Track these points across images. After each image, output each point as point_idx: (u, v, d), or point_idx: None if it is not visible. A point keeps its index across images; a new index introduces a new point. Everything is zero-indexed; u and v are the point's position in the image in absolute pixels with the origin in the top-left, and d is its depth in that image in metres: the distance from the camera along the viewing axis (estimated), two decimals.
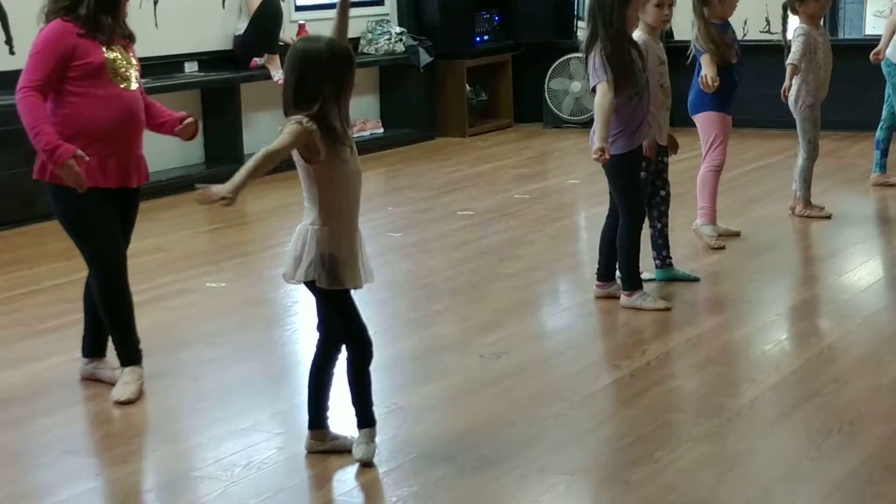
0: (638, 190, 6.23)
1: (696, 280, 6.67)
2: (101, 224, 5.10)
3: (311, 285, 4.30)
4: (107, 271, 5.11)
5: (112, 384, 5.17)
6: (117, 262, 5.12)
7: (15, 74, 8.93)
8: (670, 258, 6.69)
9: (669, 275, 6.64)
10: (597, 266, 6.34)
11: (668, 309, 6.11)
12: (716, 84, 7.01)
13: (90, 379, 5.33)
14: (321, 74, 4.14)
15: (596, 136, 5.93)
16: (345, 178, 4.27)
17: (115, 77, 5.08)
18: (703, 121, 7.34)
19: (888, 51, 8.80)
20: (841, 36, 12.82)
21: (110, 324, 5.20)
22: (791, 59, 7.86)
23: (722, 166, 7.41)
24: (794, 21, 8.05)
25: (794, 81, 7.88)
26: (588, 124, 6.16)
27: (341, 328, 4.37)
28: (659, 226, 6.64)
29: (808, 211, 8.08)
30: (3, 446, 4.69)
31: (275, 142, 4.14)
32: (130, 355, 5.21)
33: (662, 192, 6.63)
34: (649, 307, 6.12)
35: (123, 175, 5.13)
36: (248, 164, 4.11)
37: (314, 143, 4.15)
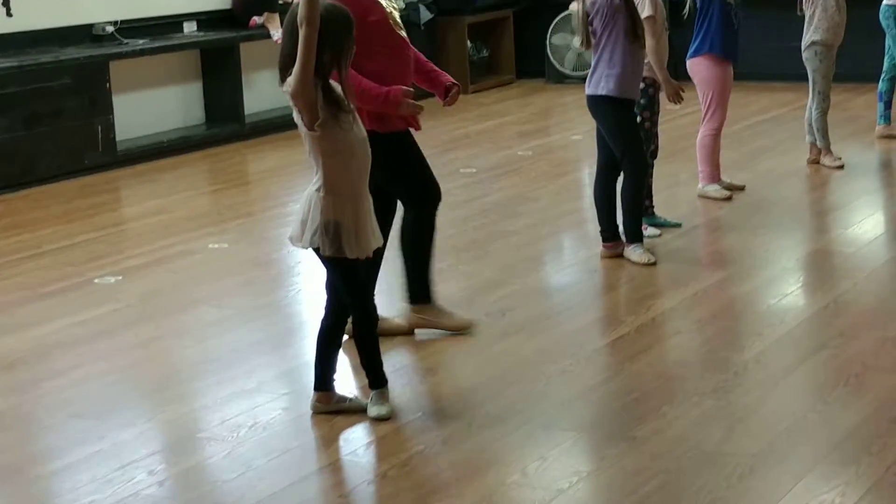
0: (640, 139, 6.21)
1: (677, 226, 6.70)
2: (422, 163, 5.18)
3: (317, 251, 4.28)
4: (433, 205, 5.17)
5: (447, 331, 5.24)
6: (440, 195, 5.22)
7: (13, 37, 8.99)
8: (652, 206, 6.72)
9: (651, 221, 6.63)
10: (599, 227, 6.30)
11: (652, 263, 6.09)
12: None
13: (422, 327, 5.29)
14: (319, 39, 4.08)
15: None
16: (348, 148, 4.22)
17: (395, 26, 5.05)
18: (701, 71, 7.25)
19: (885, 1, 8.75)
20: None
21: (423, 260, 5.23)
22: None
23: (721, 127, 7.36)
24: None
25: (806, 29, 7.89)
26: None
27: (344, 294, 4.35)
28: None
29: (829, 160, 8.06)
30: (9, 410, 4.69)
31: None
32: (428, 293, 5.25)
33: (651, 146, 6.63)
34: (636, 259, 6.13)
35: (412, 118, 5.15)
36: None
37: (316, 97, 4.10)
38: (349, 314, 4.40)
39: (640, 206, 6.29)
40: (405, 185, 5.15)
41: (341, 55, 4.17)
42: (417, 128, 5.13)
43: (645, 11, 6.35)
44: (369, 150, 4.32)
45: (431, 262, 5.27)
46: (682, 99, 6.57)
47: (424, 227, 5.20)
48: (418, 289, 5.26)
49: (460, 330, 5.24)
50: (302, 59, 4.04)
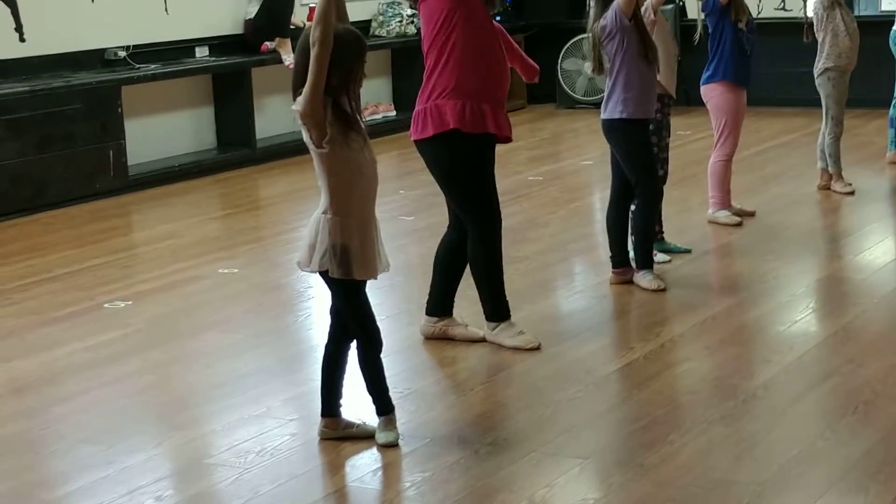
0: (655, 164, 6.21)
1: (687, 252, 6.69)
2: (492, 177, 5.29)
3: (324, 274, 4.29)
4: (498, 225, 5.30)
5: (465, 341, 5.41)
6: (500, 215, 5.33)
7: (26, 62, 9.04)
8: (662, 232, 6.72)
9: (660, 247, 6.63)
10: (610, 253, 6.30)
11: (662, 290, 6.09)
12: None
13: (439, 338, 5.45)
14: (330, 61, 4.10)
15: None
16: (356, 168, 4.23)
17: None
18: (715, 97, 7.27)
19: (895, 27, 8.76)
20: (857, 12, 12.71)
21: (492, 281, 5.37)
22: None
23: (733, 154, 7.37)
24: None
25: (819, 55, 7.92)
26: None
27: (349, 318, 4.35)
28: None
29: (841, 185, 8.06)
30: (17, 435, 4.69)
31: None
32: (503, 310, 5.41)
33: (661, 172, 6.63)
34: (645, 286, 6.12)
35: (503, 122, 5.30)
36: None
37: (324, 116, 4.11)
38: (351, 339, 4.39)
39: (652, 233, 6.30)
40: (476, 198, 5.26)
41: (350, 79, 4.18)
42: (507, 136, 5.28)
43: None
44: (377, 173, 4.33)
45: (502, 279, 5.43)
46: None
47: (491, 249, 5.33)
48: (491, 307, 5.42)
49: (523, 348, 5.34)
50: (313, 79, 4.06)
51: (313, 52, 4.04)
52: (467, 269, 5.43)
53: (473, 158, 5.20)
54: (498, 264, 5.37)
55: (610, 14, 5.95)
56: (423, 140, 5.22)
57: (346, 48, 4.16)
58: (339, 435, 4.44)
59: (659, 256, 6.53)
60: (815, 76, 8.07)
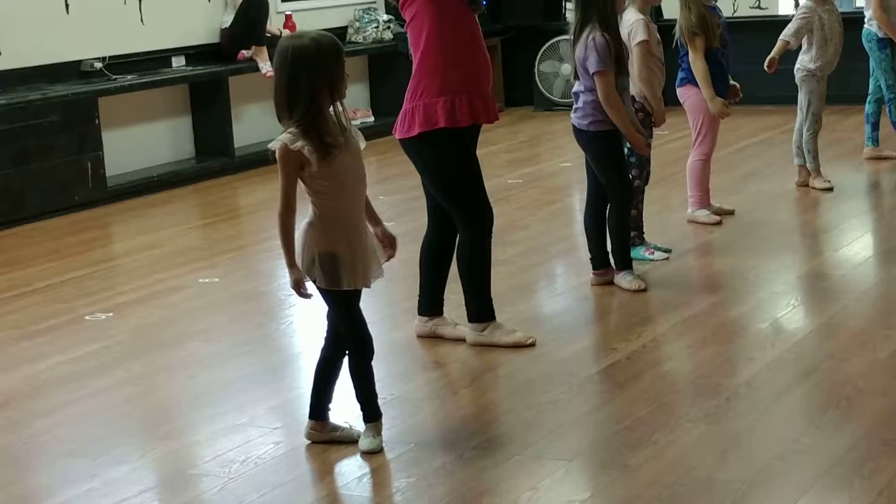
0: (624, 166, 6.22)
1: (668, 252, 6.73)
2: (479, 175, 5.31)
3: (314, 283, 4.29)
4: (489, 223, 5.32)
5: (454, 340, 5.46)
6: (492, 213, 5.34)
7: (1, 75, 8.99)
8: (643, 234, 6.74)
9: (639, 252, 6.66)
10: (590, 255, 6.31)
11: (643, 290, 6.11)
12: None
13: (429, 337, 5.51)
14: (311, 72, 4.10)
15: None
16: (339, 184, 4.22)
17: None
18: (691, 97, 7.28)
19: (865, 25, 8.80)
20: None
21: (482, 281, 5.39)
22: (784, 34, 7.94)
23: (711, 153, 7.39)
24: None
25: (802, 55, 7.95)
26: None
27: (340, 327, 4.35)
28: (635, 202, 6.63)
29: (820, 182, 8.09)
30: (1, 448, 4.67)
31: (279, 195, 4.17)
32: (490, 311, 5.43)
33: (644, 172, 6.66)
34: (626, 286, 6.14)
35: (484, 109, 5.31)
36: (281, 240, 4.20)
37: (304, 158, 4.14)
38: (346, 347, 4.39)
39: (628, 233, 6.29)
40: (464, 197, 5.27)
41: (333, 84, 4.18)
42: (496, 118, 5.32)
43: (638, 37, 6.38)
44: (363, 170, 4.32)
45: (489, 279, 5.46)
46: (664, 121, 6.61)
47: (481, 248, 5.36)
48: (479, 307, 5.44)
49: (522, 344, 5.37)
50: (285, 250, 4.21)
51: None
52: (453, 268, 5.44)
53: (462, 155, 5.22)
54: (487, 263, 5.40)
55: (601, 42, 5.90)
56: (409, 139, 5.22)
57: (327, 61, 4.16)
58: (324, 438, 4.44)
59: (656, 254, 6.58)
60: (799, 72, 8.09)
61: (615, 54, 5.89)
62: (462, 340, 5.46)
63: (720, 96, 7.21)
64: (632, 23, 6.42)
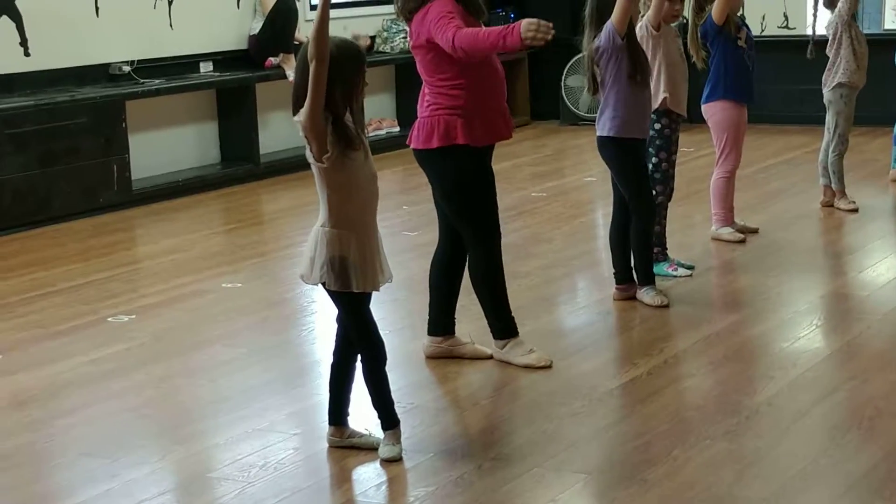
0: (647, 180, 6.22)
1: (691, 268, 6.71)
2: (493, 193, 5.29)
3: (325, 286, 4.30)
4: (497, 241, 5.28)
5: (473, 358, 5.40)
6: (500, 232, 5.33)
7: (29, 76, 9.07)
8: (666, 250, 6.73)
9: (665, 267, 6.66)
10: (613, 269, 6.31)
11: (665, 305, 6.11)
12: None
13: (444, 357, 5.43)
14: (330, 75, 4.11)
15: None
16: (355, 183, 4.24)
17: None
18: (716, 114, 7.28)
19: None
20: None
21: (497, 298, 5.36)
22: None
23: (735, 170, 7.38)
24: (824, 15, 8.08)
25: (829, 69, 7.94)
26: None
27: (352, 331, 4.36)
28: (658, 218, 6.63)
29: (844, 202, 8.07)
30: (21, 448, 4.69)
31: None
32: (511, 327, 5.40)
33: (667, 188, 6.65)
34: (648, 301, 6.14)
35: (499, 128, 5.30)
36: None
37: (325, 130, 4.13)
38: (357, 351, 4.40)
39: (651, 248, 6.29)
40: (473, 214, 5.25)
41: (352, 91, 4.20)
42: (507, 135, 5.28)
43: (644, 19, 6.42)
44: (377, 187, 4.34)
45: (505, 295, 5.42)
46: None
47: (493, 266, 5.32)
48: (498, 324, 5.41)
49: (534, 367, 5.32)
50: (312, 94, 4.07)
51: (311, 68, 4.05)
52: (466, 285, 5.42)
53: (478, 171, 5.20)
54: (501, 281, 5.34)
55: (604, 34, 5.96)
56: (426, 150, 5.20)
57: (346, 62, 4.17)
58: (344, 443, 4.45)
59: (679, 270, 6.59)
60: (826, 91, 8.06)
61: (631, 60, 5.91)
62: (479, 358, 5.43)
63: (744, 100, 7.22)
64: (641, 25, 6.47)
